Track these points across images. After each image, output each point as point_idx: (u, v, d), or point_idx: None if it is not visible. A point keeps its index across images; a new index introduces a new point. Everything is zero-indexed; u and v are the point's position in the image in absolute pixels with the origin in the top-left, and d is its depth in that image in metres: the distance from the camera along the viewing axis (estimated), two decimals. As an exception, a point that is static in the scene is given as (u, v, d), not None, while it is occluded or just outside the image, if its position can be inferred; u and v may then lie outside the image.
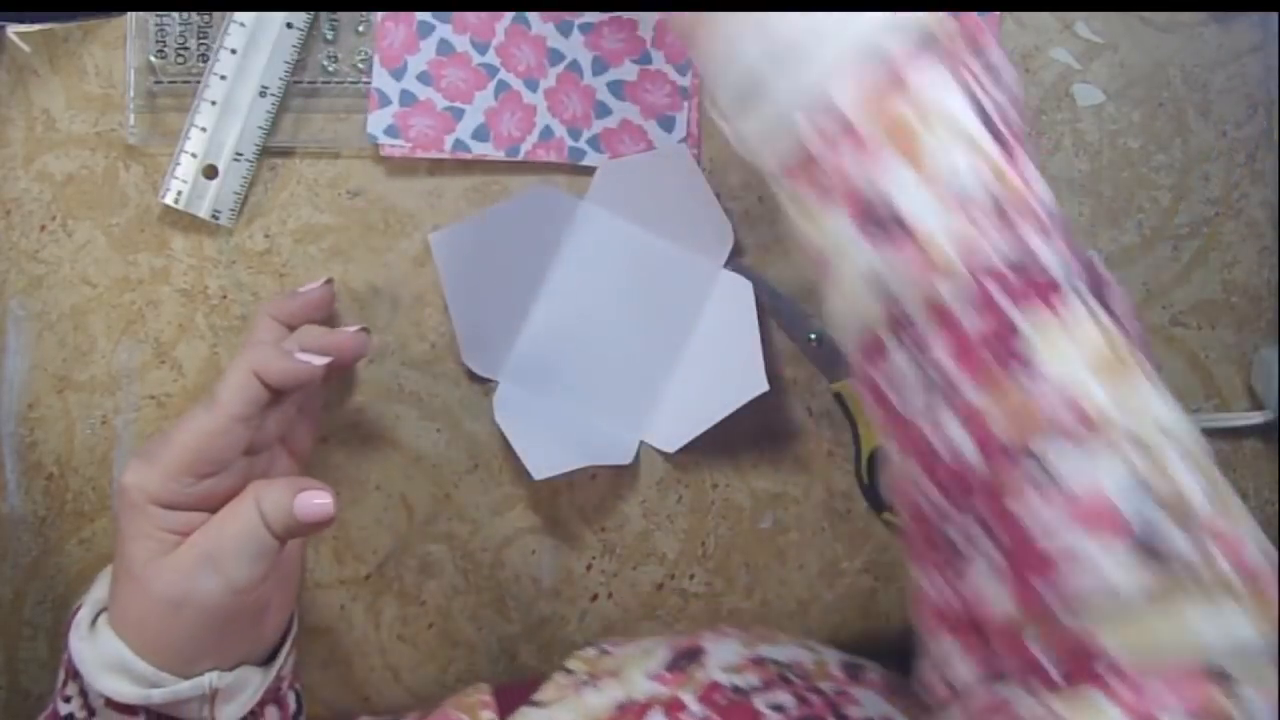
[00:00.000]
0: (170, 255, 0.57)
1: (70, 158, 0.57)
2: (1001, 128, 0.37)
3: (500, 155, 0.57)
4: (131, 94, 0.56)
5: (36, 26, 0.56)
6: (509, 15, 0.57)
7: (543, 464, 0.55)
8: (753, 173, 0.59)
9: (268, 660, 0.49)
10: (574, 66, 0.58)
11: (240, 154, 0.56)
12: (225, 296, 0.58)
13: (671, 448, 0.58)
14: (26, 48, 0.57)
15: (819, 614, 0.60)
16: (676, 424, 0.58)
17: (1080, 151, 0.60)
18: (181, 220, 0.57)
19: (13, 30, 0.56)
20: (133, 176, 0.57)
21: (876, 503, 0.59)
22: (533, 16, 0.57)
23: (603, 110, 0.58)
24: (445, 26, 0.57)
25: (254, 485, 0.46)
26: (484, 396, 0.58)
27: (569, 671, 0.50)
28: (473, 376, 0.58)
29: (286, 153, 0.57)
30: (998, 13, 0.59)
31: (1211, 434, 0.60)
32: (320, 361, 0.48)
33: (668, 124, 0.58)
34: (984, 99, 0.37)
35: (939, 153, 0.35)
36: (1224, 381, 0.61)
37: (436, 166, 0.58)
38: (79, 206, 0.57)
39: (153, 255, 0.57)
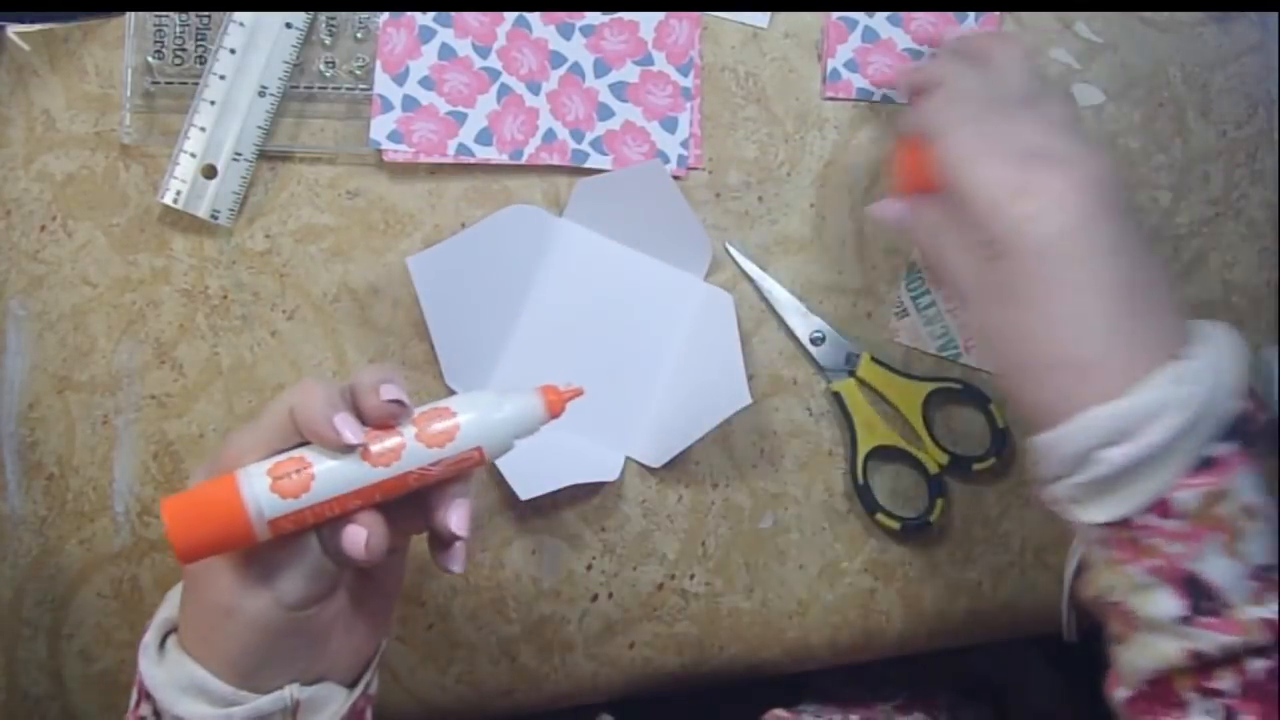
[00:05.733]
0: (171, 255, 0.57)
1: (70, 158, 0.57)
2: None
3: (504, 159, 0.57)
4: (128, 94, 0.56)
5: (36, 26, 0.56)
6: (510, 18, 0.57)
7: (529, 484, 0.55)
8: (753, 173, 0.59)
9: (353, 681, 0.48)
10: (576, 69, 0.58)
11: (239, 154, 0.56)
12: (226, 296, 0.58)
13: (657, 463, 0.58)
14: (26, 47, 0.57)
15: (819, 614, 0.60)
16: (661, 439, 0.58)
17: (1080, 152, 0.60)
18: (182, 220, 0.57)
19: (13, 30, 0.56)
20: (133, 176, 0.57)
21: (870, 503, 0.59)
22: (534, 19, 0.57)
23: (605, 112, 0.58)
24: (447, 31, 0.57)
25: None
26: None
27: None
28: (473, 377, 0.58)
29: (285, 156, 0.57)
30: (998, 12, 0.59)
31: (1211, 434, 0.61)
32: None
33: (670, 125, 0.58)
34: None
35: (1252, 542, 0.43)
36: (1223, 382, 0.61)
37: (437, 167, 0.58)
38: (79, 206, 0.57)
39: (153, 255, 0.57)
